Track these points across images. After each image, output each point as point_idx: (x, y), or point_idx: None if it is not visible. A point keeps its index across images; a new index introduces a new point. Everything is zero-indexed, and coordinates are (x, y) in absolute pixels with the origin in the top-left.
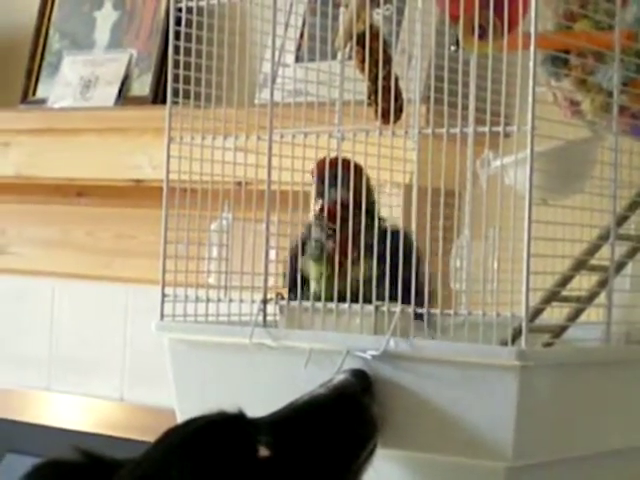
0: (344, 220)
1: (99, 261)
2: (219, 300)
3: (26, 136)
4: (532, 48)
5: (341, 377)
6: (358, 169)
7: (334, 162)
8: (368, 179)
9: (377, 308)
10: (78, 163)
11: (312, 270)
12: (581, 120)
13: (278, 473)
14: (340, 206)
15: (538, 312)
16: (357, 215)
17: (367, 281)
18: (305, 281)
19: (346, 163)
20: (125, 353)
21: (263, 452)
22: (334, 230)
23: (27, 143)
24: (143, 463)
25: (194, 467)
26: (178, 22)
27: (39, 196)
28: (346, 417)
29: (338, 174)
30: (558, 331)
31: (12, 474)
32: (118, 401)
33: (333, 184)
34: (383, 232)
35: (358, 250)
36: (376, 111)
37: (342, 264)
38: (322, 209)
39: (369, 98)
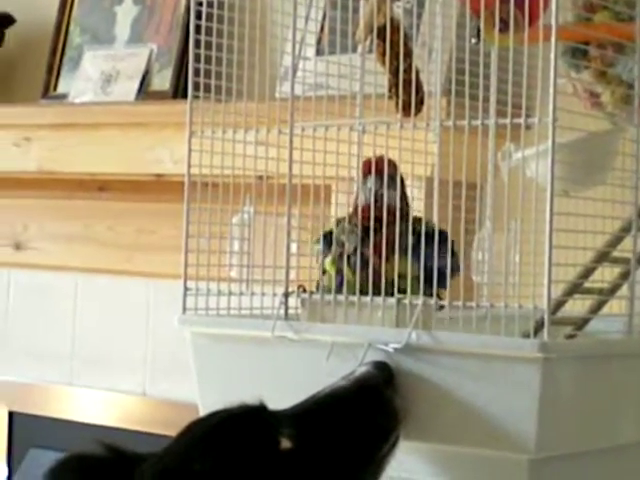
0: (380, 221)
1: (121, 256)
2: (241, 293)
3: (47, 131)
4: (553, 40)
5: (363, 369)
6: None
7: (379, 162)
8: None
9: (399, 301)
10: (99, 158)
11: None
12: (601, 112)
13: (300, 465)
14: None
15: (560, 304)
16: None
17: (400, 277)
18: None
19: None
20: (147, 347)
21: (285, 444)
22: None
23: (48, 138)
24: (165, 457)
25: (216, 460)
26: (199, 16)
27: (60, 191)
28: (368, 409)
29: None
30: (580, 323)
31: (36, 469)
32: (140, 395)
33: (377, 185)
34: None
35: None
36: (397, 104)
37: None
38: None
39: (390, 91)
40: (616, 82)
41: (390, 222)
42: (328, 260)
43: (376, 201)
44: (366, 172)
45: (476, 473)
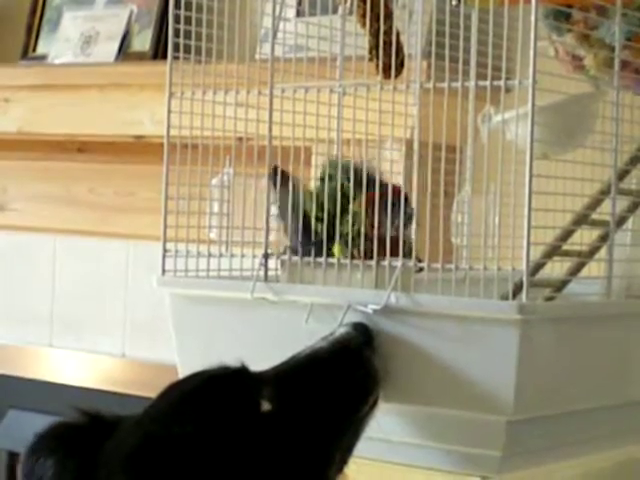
0: None
1: (100, 217)
2: (220, 255)
3: (27, 92)
4: (533, 2)
5: (342, 330)
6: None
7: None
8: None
9: (378, 262)
10: (79, 119)
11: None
12: (584, 75)
13: (280, 427)
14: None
15: (539, 266)
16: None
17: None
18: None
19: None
20: (126, 309)
21: (265, 406)
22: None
23: (28, 99)
24: (145, 419)
25: (197, 422)
26: None
27: (40, 152)
28: (347, 370)
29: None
30: (559, 285)
31: (14, 430)
32: (119, 357)
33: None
34: None
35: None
36: (377, 66)
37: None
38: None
39: (370, 53)
40: (599, 45)
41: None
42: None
43: None
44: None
45: (454, 434)
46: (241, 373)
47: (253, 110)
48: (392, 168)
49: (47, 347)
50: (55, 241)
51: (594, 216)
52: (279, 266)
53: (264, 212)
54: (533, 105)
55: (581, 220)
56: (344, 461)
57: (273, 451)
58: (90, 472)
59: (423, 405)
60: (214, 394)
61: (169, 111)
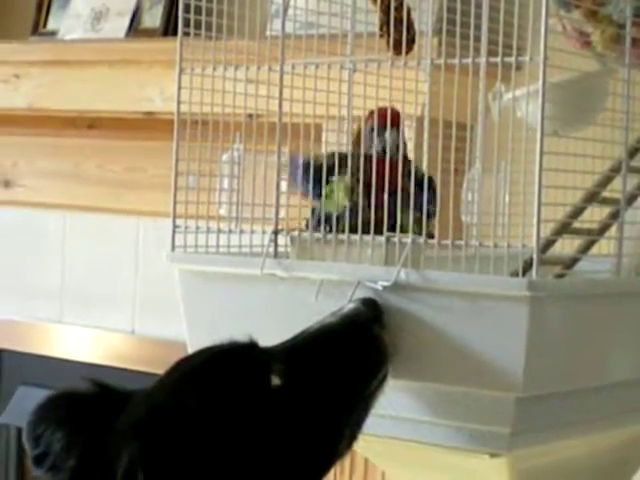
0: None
1: (110, 193)
2: (230, 231)
3: (37, 68)
4: None
5: (352, 306)
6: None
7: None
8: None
9: (388, 239)
10: (89, 95)
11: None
12: (591, 52)
13: (290, 402)
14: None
15: (549, 244)
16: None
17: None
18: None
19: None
20: (136, 286)
21: (275, 381)
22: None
23: (38, 75)
24: (155, 393)
25: (207, 396)
26: None
27: (50, 129)
28: (357, 345)
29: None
30: (569, 263)
31: (25, 406)
32: (129, 333)
33: (381, 135)
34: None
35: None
36: (388, 42)
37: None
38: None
39: (381, 29)
40: (607, 22)
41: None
42: (341, 185)
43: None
44: (382, 124)
45: (463, 411)
46: (251, 348)
47: (263, 86)
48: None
49: (57, 323)
50: (65, 217)
51: (605, 194)
52: (289, 242)
53: (274, 188)
54: (544, 81)
55: (592, 198)
56: (353, 437)
57: (282, 426)
58: (99, 445)
59: (432, 382)
60: (224, 369)
61: (179, 87)
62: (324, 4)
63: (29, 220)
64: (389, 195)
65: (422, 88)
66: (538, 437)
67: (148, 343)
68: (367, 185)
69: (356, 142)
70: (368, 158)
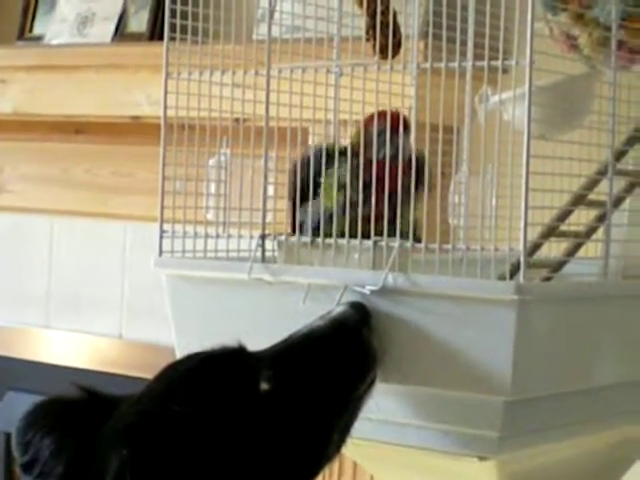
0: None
1: (97, 198)
2: (217, 236)
3: (23, 73)
4: None
5: (340, 309)
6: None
7: (384, 117)
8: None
9: (375, 243)
10: (76, 100)
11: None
12: (577, 55)
13: (278, 406)
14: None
15: (536, 247)
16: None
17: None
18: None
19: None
20: (124, 290)
21: (263, 386)
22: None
23: (24, 80)
24: (144, 398)
25: (196, 402)
26: None
27: (37, 133)
28: (345, 348)
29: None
30: (556, 266)
31: (12, 411)
32: (117, 338)
33: (381, 142)
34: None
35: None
36: (374, 46)
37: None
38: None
39: (367, 33)
40: (593, 25)
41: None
42: (332, 183)
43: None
44: (395, 127)
45: (452, 415)
46: (239, 353)
47: (250, 91)
48: None
49: (44, 328)
50: (52, 222)
51: (591, 197)
52: (276, 247)
53: (261, 192)
54: (531, 84)
55: (578, 200)
56: (342, 441)
57: (271, 431)
58: (88, 451)
59: (420, 385)
60: (213, 374)
61: (166, 92)
62: (310, 8)
63: (16, 225)
64: (389, 195)
65: (409, 92)
66: (526, 440)
67: (136, 348)
68: (367, 185)
69: (356, 144)
70: (369, 162)
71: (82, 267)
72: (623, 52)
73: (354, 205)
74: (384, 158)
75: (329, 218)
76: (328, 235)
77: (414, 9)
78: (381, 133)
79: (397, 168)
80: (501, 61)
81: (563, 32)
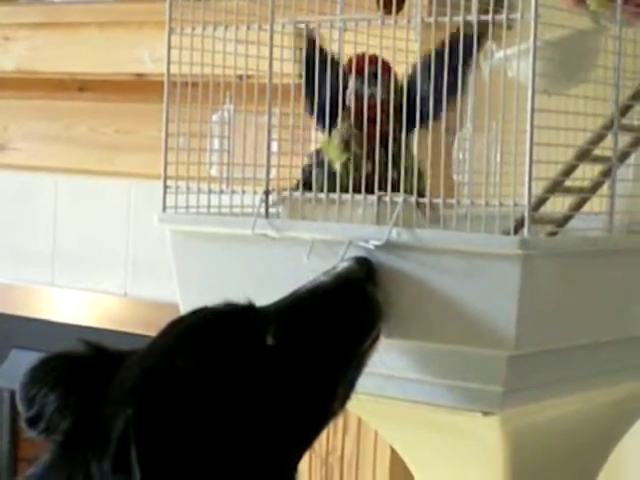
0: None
1: (101, 156)
2: (221, 192)
3: (26, 30)
4: None
5: (344, 264)
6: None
7: (373, 60)
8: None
9: (380, 198)
10: (79, 57)
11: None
12: (584, 9)
13: (283, 361)
14: (377, 107)
15: (541, 202)
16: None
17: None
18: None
19: (385, 64)
20: (128, 248)
21: (269, 340)
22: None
23: (27, 37)
24: (150, 353)
25: (201, 356)
26: None
27: (40, 91)
28: (349, 303)
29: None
30: (561, 221)
31: (17, 369)
32: (121, 296)
33: (369, 82)
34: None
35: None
36: (378, 1)
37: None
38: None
39: None
40: None
41: (382, 121)
42: (335, 142)
43: (368, 102)
44: (359, 70)
45: (456, 370)
46: (245, 308)
47: (253, 46)
48: None
49: (49, 286)
50: (56, 180)
51: (596, 151)
52: (280, 202)
53: (265, 148)
54: (535, 38)
55: (583, 155)
56: (347, 396)
57: (276, 386)
58: (94, 407)
59: (424, 340)
60: (218, 329)
61: (169, 47)
62: None
63: (20, 183)
64: (381, 146)
65: (413, 47)
66: (530, 395)
67: (141, 305)
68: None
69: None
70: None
71: (86, 225)
72: (630, 6)
73: (358, 161)
74: (369, 98)
75: (333, 175)
76: (332, 190)
77: None
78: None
79: (383, 108)
80: (505, 14)
81: None
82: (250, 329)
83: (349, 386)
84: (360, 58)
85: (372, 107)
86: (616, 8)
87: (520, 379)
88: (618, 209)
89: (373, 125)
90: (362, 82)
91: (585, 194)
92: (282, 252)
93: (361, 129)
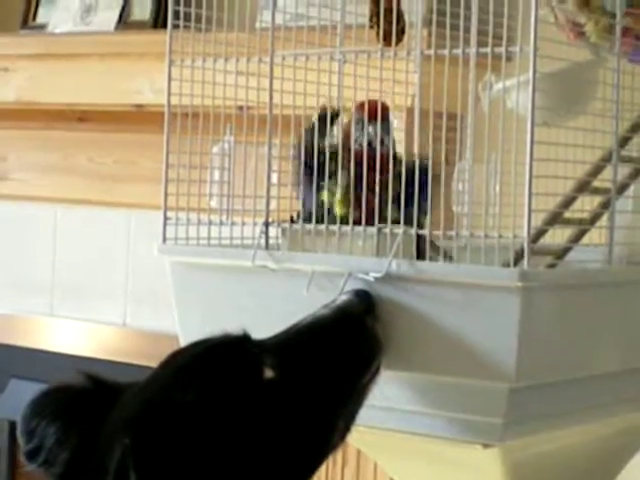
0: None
1: (101, 186)
2: (221, 223)
3: (26, 61)
4: None
5: (344, 297)
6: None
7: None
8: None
9: (380, 230)
10: (79, 88)
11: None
12: (584, 42)
13: (283, 394)
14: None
15: (540, 234)
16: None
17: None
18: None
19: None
20: (128, 278)
21: (268, 374)
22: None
23: (27, 68)
24: (148, 387)
25: (200, 390)
26: None
27: (40, 122)
28: (350, 337)
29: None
30: (560, 253)
31: (16, 399)
32: (121, 326)
33: (368, 127)
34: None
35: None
36: (378, 33)
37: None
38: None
39: (371, 20)
40: (600, 12)
41: (383, 169)
42: (337, 197)
43: (370, 146)
44: (371, 116)
45: (456, 402)
46: (243, 341)
47: (253, 78)
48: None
49: (48, 316)
50: (55, 211)
51: (595, 183)
52: (280, 234)
53: (265, 180)
54: (534, 71)
55: (582, 187)
56: (347, 429)
57: (276, 419)
58: (93, 439)
59: (425, 373)
60: (216, 362)
61: (169, 79)
62: None
63: (20, 213)
64: (379, 190)
65: (412, 79)
66: (531, 427)
67: (140, 336)
68: (358, 179)
69: (346, 135)
70: (355, 152)
71: (86, 255)
72: (629, 38)
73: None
74: (362, 147)
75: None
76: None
77: None
78: (359, 122)
79: (381, 157)
80: (505, 48)
81: (569, 19)
82: (247, 362)
83: (349, 419)
84: (360, 106)
85: (372, 156)
86: (615, 40)
87: (520, 411)
88: (617, 241)
89: (373, 172)
90: (362, 131)
91: (584, 226)
92: (282, 283)
93: (360, 176)
